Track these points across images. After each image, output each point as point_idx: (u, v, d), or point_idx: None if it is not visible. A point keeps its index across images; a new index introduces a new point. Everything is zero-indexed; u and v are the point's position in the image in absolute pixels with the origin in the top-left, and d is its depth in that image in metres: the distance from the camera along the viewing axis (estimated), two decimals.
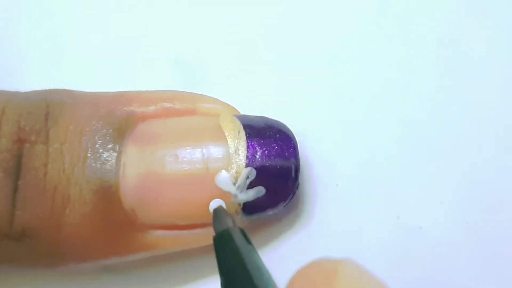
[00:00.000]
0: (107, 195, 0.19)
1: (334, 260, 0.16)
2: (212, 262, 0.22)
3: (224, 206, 0.19)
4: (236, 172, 0.19)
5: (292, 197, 0.20)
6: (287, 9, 0.24)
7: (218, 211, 0.19)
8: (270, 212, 0.20)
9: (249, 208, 0.20)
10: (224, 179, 0.19)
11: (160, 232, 0.20)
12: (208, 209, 0.20)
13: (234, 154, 0.19)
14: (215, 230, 0.19)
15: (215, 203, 0.19)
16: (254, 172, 0.19)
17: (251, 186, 0.20)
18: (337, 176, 0.23)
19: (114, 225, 0.20)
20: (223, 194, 0.20)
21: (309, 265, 0.16)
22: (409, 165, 0.23)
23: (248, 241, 0.18)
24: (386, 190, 0.23)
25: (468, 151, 0.23)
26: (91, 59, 0.23)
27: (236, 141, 0.20)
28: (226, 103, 0.21)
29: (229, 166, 0.20)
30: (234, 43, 0.23)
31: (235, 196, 0.19)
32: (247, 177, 0.19)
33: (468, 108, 0.23)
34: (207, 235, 0.20)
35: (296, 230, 0.23)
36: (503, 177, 0.23)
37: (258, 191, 0.20)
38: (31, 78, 0.21)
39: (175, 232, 0.20)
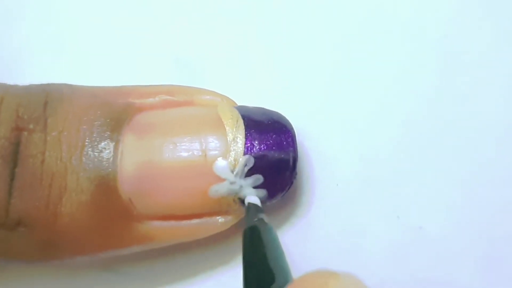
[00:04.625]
0: (104, 184, 0.19)
1: (330, 273, 0.16)
2: (211, 260, 0.22)
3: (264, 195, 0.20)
4: (234, 160, 0.19)
5: (289, 187, 0.20)
6: (288, 8, 0.24)
7: (251, 205, 0.20)
8: (268, 202, 0.20)
9: None
10: (222, 166, 0.19)
11: (157, 222, 0.20)
12: (206, 197, 0.19)
13: (233, 142, 0.19)
14: (246, 223, 0.19)
15: (249, 199, 0.20)
16: (252, 160, 0.19)
17: (249, 175, 0.20)
18: (337, 176, 0.23)
19: (111, 215, 0.20)
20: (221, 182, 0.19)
21: (303, 277, 0.16)
22: (410, 165, 0.23)
23: (276, 239, 0.19)
24: (386, 190, 0.23)
25: (469, 151, 0.23)
26: (91, 58, 0.24)
27: (235, 130, 0.20)
28: (224, 95, 0.21)
29: (227, 154, 0.19)
30: (234, 42, 0.24)
31: (233, 183, 0.19)
32: (245, 165, 0.19)
33: (469, 107, 0.23)
34: (204, 226, 0.20)
35: (295, 230, 0.23)
36: (503, 177, 0.23)
37: (256, 179, 0.20)
38: (30, 76, 0.21)
39: (172, 222, 0.20)
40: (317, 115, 0.23)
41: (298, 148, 0.21)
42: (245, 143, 0.20)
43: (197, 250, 0.22)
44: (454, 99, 0.23)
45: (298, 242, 0.23)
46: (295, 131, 0.21)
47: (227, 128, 0.20)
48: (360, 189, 0.23)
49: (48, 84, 0.21)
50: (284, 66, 0.24)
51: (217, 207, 0.20)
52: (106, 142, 0.19)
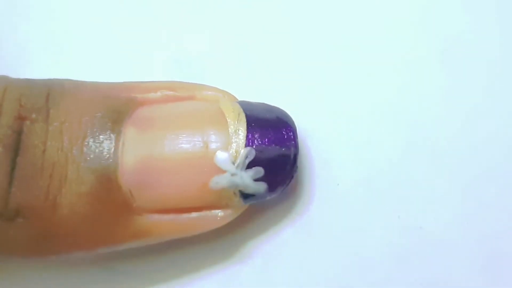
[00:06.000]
0: (105, 175, 0.19)
1: None
2: (210, 258, 0.22)
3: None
4: (235, 152, 0.19)
5: (290, 182, 0.20)
6: (289, 7, 0.24)
7: None
8: (268, 196, 0.20)
9: None
10: (223, 158, 0.19)
11: (157, 216, 0.20)
12: (207, 189, 0.19)
13: (234, 134, 0.20)
14: None
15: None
16: (253, 152, 0.19)
17: (249, 167, 0.20)
18: (338, 176, 0.23)
19: (110, 207, 0.19)
20: (222, 174, 0.19)
21: None
22: (410, 165, 0.23)
23: None
24: (387, 190, 0.23)
25: (469, 151, 0.23)
26: (90, 58, 0.24)
27: (236, 122, 0.20)
28: (226, 91, 0.21)
29: (228, 146, 0.19)
30: (235, 43, 0.24)
31: (234, 175, 0.19)
32: (246, 157, 0.19)
33: (469, 108, 0.23)
34: (203, 220, 0.20)
35: (296, 230, 0.22)
36: (504, 177, 0.23)
37: (257, 172, 0.20)
38: (31, 75, 0.21)
39: (171, 216, 0.20)
40: (319, 114, 0.23)
41: (299, 147, 0.21)
42: (247, 136, 0.20)
43: (195, 248, 0.22)
44: (456, 100, 0.23)
45: (298, 242, 0.22)
46: (297, 130, 0.21)
47: (228, 120, 0.20)
48: (360, 189, 0.23)
49: (50, 79, 0.21)
50: (285, 66, 0.24)
51: (217, 200, 0.20)
52: (107, 133, 0.19)
